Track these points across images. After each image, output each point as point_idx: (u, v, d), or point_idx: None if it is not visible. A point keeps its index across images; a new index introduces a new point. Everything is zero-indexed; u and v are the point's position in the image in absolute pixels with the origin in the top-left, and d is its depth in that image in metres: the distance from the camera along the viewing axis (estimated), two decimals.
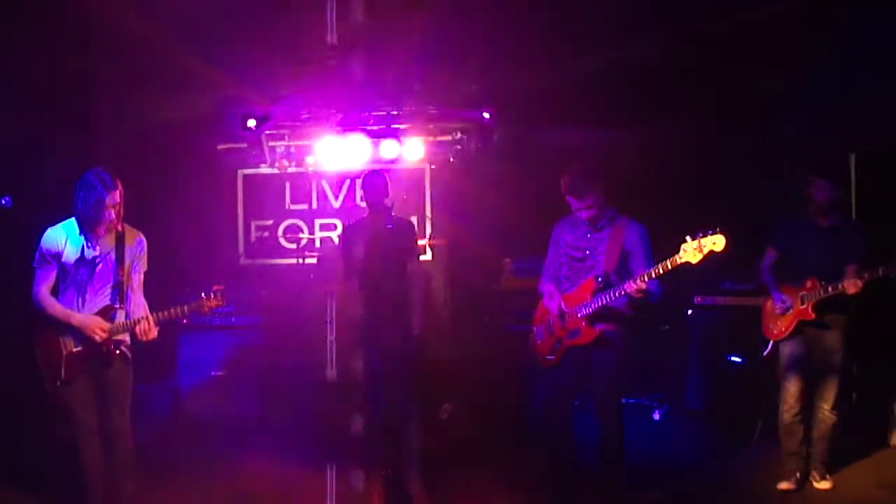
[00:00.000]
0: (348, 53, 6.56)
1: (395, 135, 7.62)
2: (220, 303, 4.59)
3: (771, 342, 5.31)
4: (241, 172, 8.44)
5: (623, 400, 5.02)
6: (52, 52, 5.89)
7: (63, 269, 4.43)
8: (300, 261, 7.94)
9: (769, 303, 5.30)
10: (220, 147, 8.21)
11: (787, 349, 5.25)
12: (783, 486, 5.26)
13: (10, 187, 4.48)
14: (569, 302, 4.80)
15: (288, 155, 8.04)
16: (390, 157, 7.55)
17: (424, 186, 8.37)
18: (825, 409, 5.23)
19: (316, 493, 5.24)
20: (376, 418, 5.87)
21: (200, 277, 5.73)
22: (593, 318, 4.70)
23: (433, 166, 8.30)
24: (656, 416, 7.00)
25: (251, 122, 7.47)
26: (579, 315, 4.72)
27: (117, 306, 4.48)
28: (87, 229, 4.44)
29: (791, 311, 5.16)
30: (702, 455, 6.13)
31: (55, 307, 4.42)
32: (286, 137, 8.02)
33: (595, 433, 4.88)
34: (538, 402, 5.20)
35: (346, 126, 7.43)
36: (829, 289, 4.98)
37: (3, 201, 4.41)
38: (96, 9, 5.90)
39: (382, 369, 5.87)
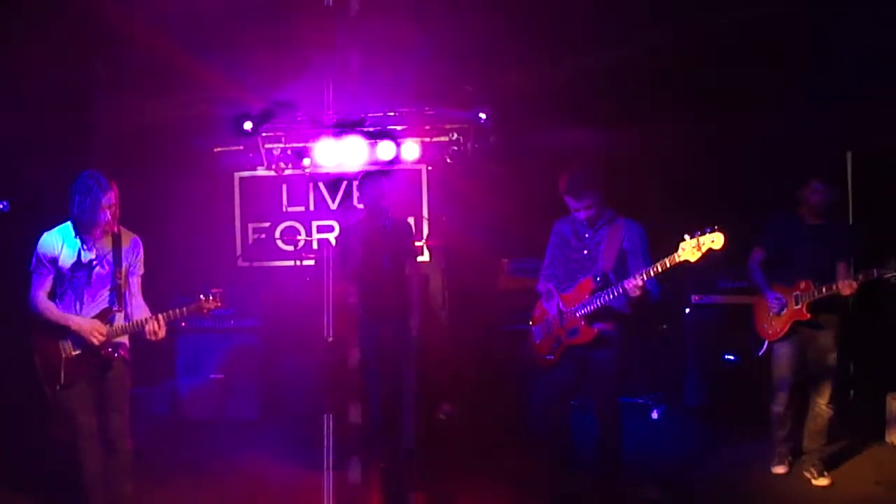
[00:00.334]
0: (345, 55, 6.56)
1: (392, 136, 7.64)
2: (219, 305, 4.59)
3: (766, 342, 5.33)
4: (237, 175, 8.43)
5: (621, 399, 5.04)
6: (50, 54, 5.89)
7: (60, 273, 4.42)
8: (298, 263, 7.95)
9: (762, 302, 5.32)
10: (216, 149, 8.22)
11: (781, 349, 5.29)
12: (778, 469, 5.42)
13: (7, 191, 4.47)
14: (567, 301, 4.81)
15: (285, 157, 8.04)
16: (387, 158, 7.58)
17: (421, 187, 8.39)
18: (821, 404, 5.28)
19: (314, 495, 5.24)
20: (374, 418, 5.89)
21: (198, 280, 5.73)
22: (592, 318, 4.71)
23: (430, 167, 8.30)
24: (655, 415, 7.00)
25: (248, 125, 7.49)
26: (578, 314, 4.73)
27: (115, 309, 4.47)
28: (84, 232, 4.43)
29: (785, 311, 5.18)
30: (700, 454, 6.14)
31: (53, 311, 4.41)
32: (283, 139, 8.03)
33: (594, 432, 4.89)
34: (537, 401, 5.20)
35: (343, 128, 7.44)
36: (824, 289, 5.01)
37: (1, 205, 4.40)
38: (95, 12, 5.89)
39: (380, 370, 5.88)
